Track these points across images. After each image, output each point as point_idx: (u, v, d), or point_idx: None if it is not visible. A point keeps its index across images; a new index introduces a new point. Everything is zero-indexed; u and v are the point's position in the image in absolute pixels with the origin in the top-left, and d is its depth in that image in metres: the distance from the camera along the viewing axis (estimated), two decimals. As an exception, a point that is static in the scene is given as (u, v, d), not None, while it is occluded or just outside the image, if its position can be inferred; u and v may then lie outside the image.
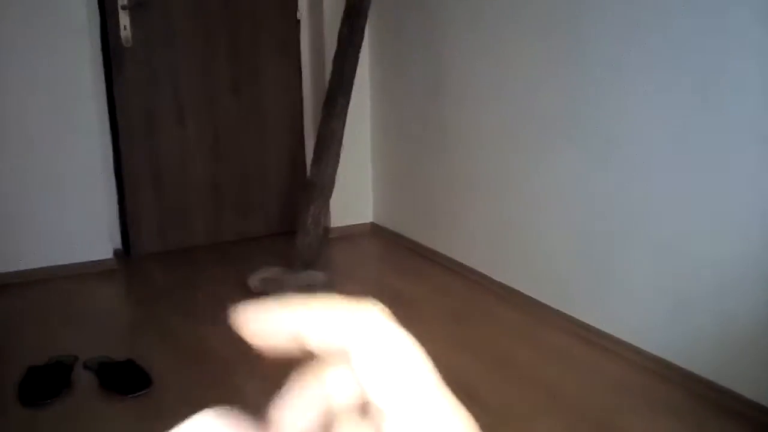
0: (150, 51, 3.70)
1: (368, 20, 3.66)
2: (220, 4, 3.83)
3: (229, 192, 4.04)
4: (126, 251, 3.86)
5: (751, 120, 2.21)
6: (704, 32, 2.30)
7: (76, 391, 2.49)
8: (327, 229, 4.09)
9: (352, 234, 4.18)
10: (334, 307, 0.29)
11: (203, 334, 2.92)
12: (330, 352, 0.28)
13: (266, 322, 0.29)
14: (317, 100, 4.06)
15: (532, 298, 3.12)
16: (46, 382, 2.47)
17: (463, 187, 3.50)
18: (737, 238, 2.29)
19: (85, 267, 3.57)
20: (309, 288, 3.26)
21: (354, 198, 4.18)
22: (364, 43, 3.71)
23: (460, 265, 3.55)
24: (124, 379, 2.50)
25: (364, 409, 0.28)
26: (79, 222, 3.54)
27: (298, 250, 3.46)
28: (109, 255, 3.66)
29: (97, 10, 3.58)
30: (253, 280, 3.33)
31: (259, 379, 2.57)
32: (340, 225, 4.16)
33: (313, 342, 0.28)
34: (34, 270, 3.48)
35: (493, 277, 3.34)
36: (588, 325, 2.85)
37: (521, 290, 3.18)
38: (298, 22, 4.05)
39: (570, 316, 2.93)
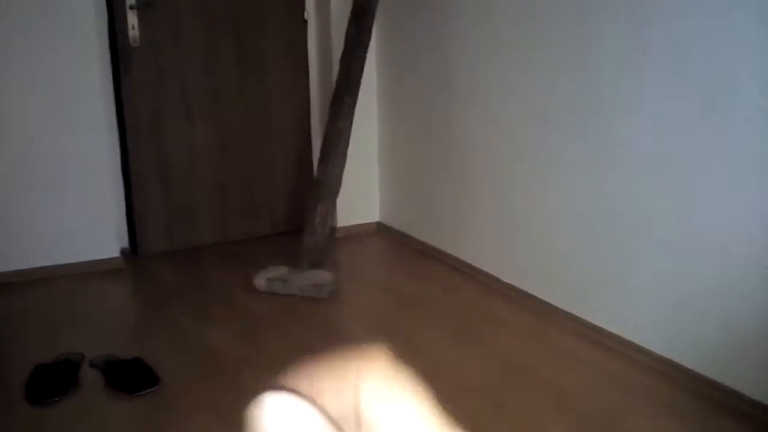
0: (157, 51, 3.71)
1: (375, 20, 3.66)
2: (228, 4, 3.84)
3: (236, 191, 4.05)
4: (133, 250, 3.87)
5: (754, 120, 2.20)
6: (708, 32, 2.29)
7: (83, 390, 2.50)
8: (333, 229, 4.09)
9: (358, 233, 4.18)
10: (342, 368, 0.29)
11: (210, 333, 2.92)
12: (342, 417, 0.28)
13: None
14: (324, 99, 4.06)
15: (540, 299, 3.11)
16: (53, 381, 2.48)
17: (471, 187, 3.49)
18: (742, 239, 2.28)
19: (92, 266, 3.58)
20: (315, 288, 3.27)
21: (361, 197, 4.18)
22: (371, 43, 3.71)
23: (468, 265, 3.55)
24: (131, 377, 2.50)
25: None
26: (86, 221, 3.55)
27: (305, 250, 3.46)
28: (116, 254, 3.67)
29: (105, 10, 3.59)
30: (260, 280, 3.33)
31: (267, 377, 2.57)
32: (346, 224, 4.16)
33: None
34: (41, 268, 3.49)
35: (501, 278, 3.34)
36: (595, 326, 2.84)
37: (529, 291, 3.17)
38: (305, 21, 4.06)
39: (578, 317, 2.93)
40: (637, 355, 2.66)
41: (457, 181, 3.58)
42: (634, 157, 2.61)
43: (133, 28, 3.62)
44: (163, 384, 2.51)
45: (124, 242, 3.85)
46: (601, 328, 2.82)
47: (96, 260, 3.60)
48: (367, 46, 3.55)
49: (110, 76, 3.66)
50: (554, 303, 3.04)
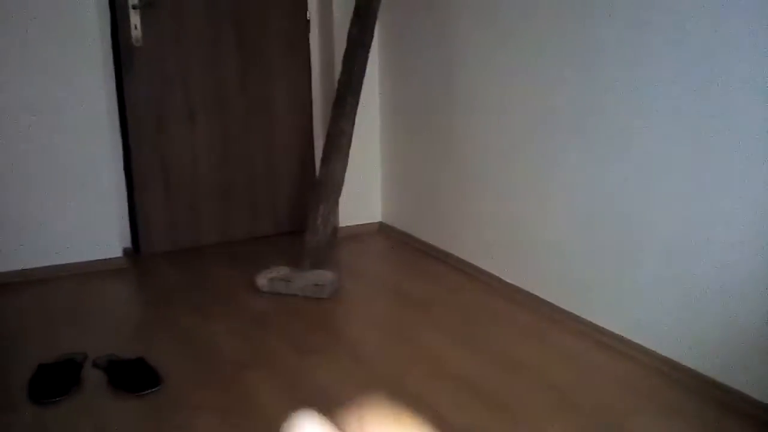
0: (160, 50, 3.72)
1: (378, 20, 3.66)
2: (230, 4, 3.84)
3: (239, 191, 4.05)
4: (135, 250, 3.88)
5: (756, 121, 2.20)
6: (709, 33, 2.29)
7: (86, 389, 2.51)
8: (335, 229, 4.10)
9: (360, 233, 4.18)
10: None
11: (213, 333, 2.93)
12: None
13: None
14: (327, 99, 4.06)
15: (542, 299, 3.12)
16: (56, 380, 2.48)
17: (473, 187, 3.50)
18: (744, 239, 2.28)
19: (94, 265, 3.59)
20: (317, 288, 3.27)
21: (363, 197, 4.18)
22: (373, 43, 3.71)
23: (470, 265, 3.55)
24: (134, 377, 2.51)
25: None
26: (89, 221, 3.56)
27: (307, 250, 3.47)
28: (119, 254, 3.68)
29: (108, 10, 3.60)
30: (262, 280, 3.34)
31: (269, 377, 2.58)
32: (348, 224, 4.17)
33: None
34: (44, 268, 3.50)
35: (504, 279, 3.34)
36: (597, 326, 2.85)
37: (532, 291, 3.18)
38: (308, 21, 4.06)
39: (580, 317, 2.93)
40: (639, 355, 2.67)
41: (459, 181, 3.58)
42: (637, 157, 2.61)
43: (136, 27, 3.63)
44: (165, 384, 2.51)
45: (127, 242, 3.86)
46: (603, 328, 2.82)
47: (99, 260, 3.61)
48: (369, 46, 3.56)
49: (113, 75, 3.67)
50: (556, 303, 3.04)
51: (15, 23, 3.28)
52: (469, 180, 3.51)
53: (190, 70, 3.81)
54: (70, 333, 2.94)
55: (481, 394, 2.45)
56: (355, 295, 3.34)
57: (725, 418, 2.30)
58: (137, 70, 3.68)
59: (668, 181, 2.51)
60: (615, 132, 2.69)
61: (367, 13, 3.53)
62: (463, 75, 3.46)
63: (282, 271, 3.40)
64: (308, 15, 4.05)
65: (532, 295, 3.17)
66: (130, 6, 3.59)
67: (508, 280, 3.32)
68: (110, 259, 3.64)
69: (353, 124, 3.54)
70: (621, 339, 2.74)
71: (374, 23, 3.57)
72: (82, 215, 3.54)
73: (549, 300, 3.08)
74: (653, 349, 2.62)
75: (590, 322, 2.88)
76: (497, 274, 3.38)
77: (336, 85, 3.65)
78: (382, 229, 4.23)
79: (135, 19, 3.62)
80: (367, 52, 3.56)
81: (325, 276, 3.35)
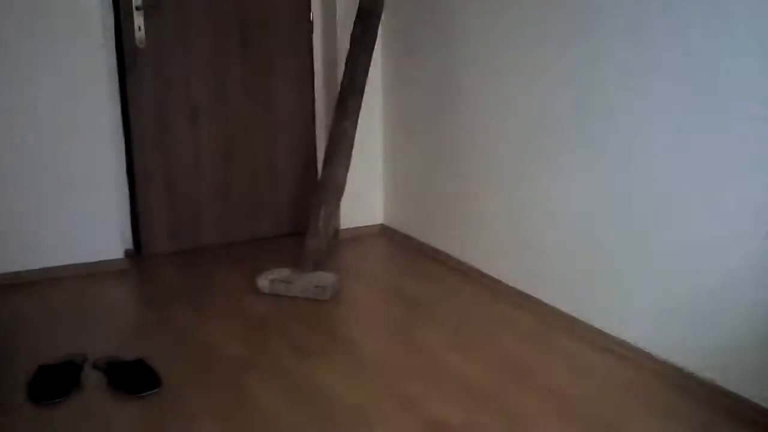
0: (163, 52, 3.72)
1: (381, 22, 3.66)
2: (234, 6, 3.84)
3: (240, 192, 4.05)
4: (137, 251, 3.88)
5: (755, 123, 2.19)
6: (710, 38, 2.28)
7: (86, 391, 2.51)
8: (337, 231, 4.09)
9: (362, 235, 4.18)
10: None
11: (213, 334, 2.93)
12: None
13: None
14: (329, 101, 4.06)
15: (543, 302, 3.11)
16: (56, 381, 2.48)
17: (475, 190, 3.49)
18: (744, 242, 2.27)
19: (96, 266, 3.59)
20: (318, 289, 3.27)
21: (364, 199, 4.18)
22: (376, 45, 3.71)
23: (472, 268, 3.55)
24: (134, 378, 2.51)
25: None
26: (90, 221, 3.56)
27: (308, 251, 3.46)
28: (120, 255, 3.68)
29: (112, 11, 3.60)
30: (263, 281, 3.34)
31: (269, 379, 2.57)
32: (350, 226, 4.17)
33: None
34: (45, 269, 3.50)
35: (506, 282, 3.33)
36: (600, 330, 2.84)
37: (532, 294, 3.17)
38: (311, 23, 4.06)
39: (580, 320, 2.92)
40: (640, 358, 2.66)
41: (461, 183, 3.58)
42: (638, 160, 2.61)
43: (140, 29, 3.63)
44: (165, 385, 2.51)
45: (129, 243, 3.86)
46: (604, 331, 2.82)
47: (100, 261, 3.60)
48: (372, 48, 3.55)
49: (116, 77, 3.67)
50: (557, 306, 3.03)
51: (18, 24, 3.29)
52: (470, 182, 3.51)
53: (192, 71, 3.81)
54: (71, 334, 2.94)
55: (481, 397, 2.44)
56: (355, 297, 3.34)
57: (725, 422, 2.30)
58: (140, 71, 3.68)
59: (670, 185, 2.50)
60: (617, 135, 2.69)
61: (370, 14, 3.52)
62: (466, 77, 3.46)
63: (283, 272, 3.40)
64: (311, 16, 4.05)
65: (533, 297, 3.16)
66: (133, 7, 3.59)
67: (509, 283, 3.31)
68: (112, 260, 3.64)
69: (356, 125, 3.53)
70: (622, 342, 2.74)
71: (377, 25, 3.57)
72: (84, 217, 3.54)
73: (550, 303, 3.07)
74: (654, 353, 2.62)
75: (591, 326, 2.87)
76: (498, 277, 3.37)
77: (339, 86, 3.65)
78: (384, 231, 4.23)
79: (138, 20, 3.62)
80: (370, 53, 3.55)
81: (326, 278, 3.35)
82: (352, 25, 3.58)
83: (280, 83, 4.03)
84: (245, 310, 3.17)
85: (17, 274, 3.45)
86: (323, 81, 4.13)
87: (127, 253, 3.77)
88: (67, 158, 3.47)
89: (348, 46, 3.57)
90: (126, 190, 3.82)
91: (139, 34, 3.63)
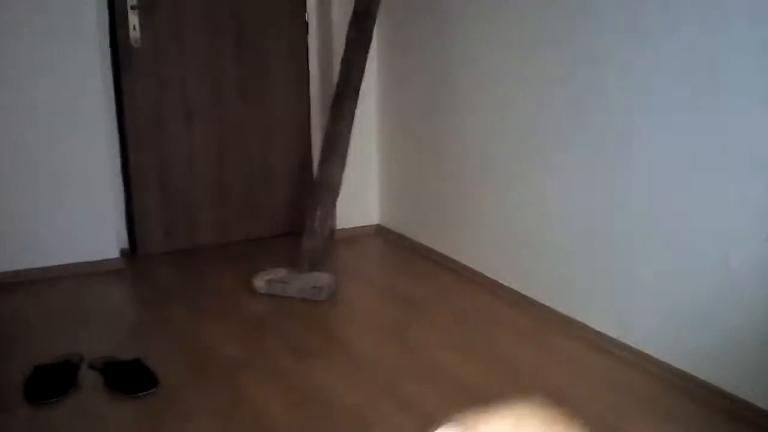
0: (158, 52, 3.71)
1: (376, 23, 3.66)
2: (229, 6, 3.84)
3: (236, 193, 4.05)
4: (132, 251, 3.88)
5: (755, 123, 2.20)
6: (708, 36, 2.29)
7: (82, 391, 2.50)
8: (333, 231, 4.10)
9: (358, 236, 4.18)
10: None
11: (210, 335, 2.92)
12: None
13: None
14: (325, 101, 4.06)
15: (540, 303, 3.12)
16: (53, 381, 2.48)
17: (471, 190, 3.50)
18: (745, 244, 2.28)
19: (91, 266, 3.59)
20: (314, 290, 3.27)
21: (360, 200, 4.18)
22: (372, 46, 3.71)
23: (468, 268, 3.55)
24: (130, 379, 2.50)
25: None
26: (85, 221, 3.56)
27: (304, 252, 3.46)
28: (116, 255, 3.68)
29: (107, 10, 3.59)
30: (259, 281, 3.34)
31: (265, 379, 2.57)
32: (346, 227, 4.17)
33: None
34: (41, 269, 3.49)
35: (502, 282, 3.34)
36: (597, 331, 2.85)
37: (529, 295, 3.18)
38: (306, 23, 4.06)
39: (578, 322, 2.93)
40: (639, 361, 2.67)
41: (457, 183, 3.58)
42: (637, 161, 2.61)
43: (135, 28, 3.62)
44: (161, 385, 2.51)
45: (124, 243, 3.85)
46: (602, 333, 2.82)
47: (95, 261, 3.60)
48: (367, 49, 3.56)
49: (111, 76, 3.67)
50: (555, 307, 3.04)
51: (14, 23, 3.28)
52: (467, 182, 3.51)
53: (188, 71, 3.81)
54: (67, 334, 2.93)
55: (478, 397, 2.45)
56: (352, 298, 3.34)
57: (726, 425, 2.30)
58: (135, 70, 3.68)
59: (669, 185, 2.51)
60: (615, 135, 2.69)
61: (365, 15, 3.53)
62: (462, 77, 3.47)
63: (279, 273, 3.40)
64: (307, 17, 4.05)
65: (529, 298, 3.17)
66: (128, 7, 3.59)
67: (505, 283, 3.32)
68: (107, 260, 3.63)
69: (351, 126, 3.54)
70: (621, 344, 2.74)
71: (373, 25, 3.58)
72: (79, 216, 3.54)
73: (547, 303, 3.08)
74: (654, 355, 2.62)
75: (590, 327, 2.88)
76: (494, 277, 3.38)
77: (334, 87, 3.65)
78: (380, 231, 4.24)
79: (134, 19, 3.62)
80: (366, 54, 3.56)
81: (322, 278, 3.35)
82: (347, 26, 3.58)
83: (275, 83, 4.03)
84: (242, 311, 3.17)
85: (12, 273, 3.44)
86: (319, 81, 4.13)
87: (122, 252, 3.77)
88: (62, 158, 3.46)
89: (343, 47, 3.57)
90: (122, 190, 3.81)
91: (134, 34, 3.63)
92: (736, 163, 2.28)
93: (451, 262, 3.66)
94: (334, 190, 3.51)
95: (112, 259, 3.65)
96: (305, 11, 4.04)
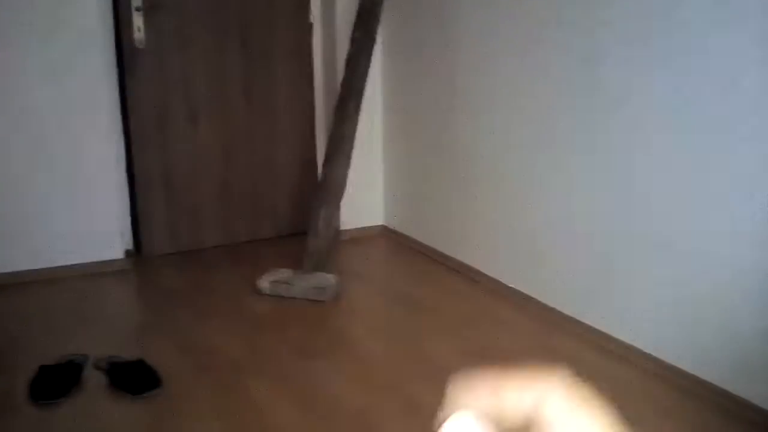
0: (163, 53, 3.72)
1: (381, 24, 3.66)
2: (233, 7, 3.84)
3: (241, 193, 4.05)
4: (137, 251, 3.88)
5: (755, 124, 2.20)
6: (709, 39, 2.29)
7: (87, 391, 2.51)
8: (337, 232, 4.09)
9: (362, 236, 4.18)
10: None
11: (214, 335, 2.93)
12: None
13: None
14: (329, 102, 4.06)
15: (544, 304, 3.11)
16: (57, 381, 2.48)
17: (475, 191, 3.49)
18: (745, 244, 2.27)
19: (96, 267, 3.59)
20: (318, 290, 3.27)
21: (365, 200, 4.18)
22: (376, 46, 3.71)
23: (472, 269, 3.55)
24: (134, 379, 2.51)
25: None
26: (91, 222, 3.56)
27: (309, 252, 3.46)
28: (121, 255, 3.68)
29: (111, 12, 3.60)
30: (263, 282, 3.34)
31: (269, 380, 2.57)
32: (350, 227, 4.17)
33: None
34: (46, 269, 3.49)
35: (506, 283, 3.33)
36: (600, 331, 2.84)
37: (533, 296, 3.17)
38: (311, 25, 4.06)
39: (582, 323, 2.92)
40: (641, 360, 2.66)
41: (461, 184, 3.58)
42: (639, 164, 2.61)
43: (139, 30, 3.63)
44: (165, 385, 2.51)
45: (129, 244, 3.86)
46: (605, 333, 2.81)
47: (100, 261, 3.60)
48: (372, 49, 3.56)
49: (116, 77, 3.67)
50: (558, 308, 3.03)
51: (19, 25, 3.29)
52: (471, 184, 3.51)
53: (192, 72, 3.81)
54: (72, 334, 2.94)
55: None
56: (356, 299, 3.34)
57: (728, 425, 2.30)
58: (140, 72, 3.68)
59: (670, 188, 2.50)
60: (618, 139, 2.69)
61: (369, 16, 3.53)
62: (466, 78, 3.46)
63: (283, 273, 3.40)
64: (311, 18, 4.06)
65: (534, 299, 3.16)
66: (133, 8, 3.59)
67: (510, 285, 3.31)
68: (112, 260, 3.64)
69: (355, 126, 3.54)
70: (623, 344, 2.73)
71: (377, 26, 3.58)
72: (85, 217, 3.54)
73: (551, 305, 3.07)
74: (655, 355, 2.61)
75: (593, 327, 2.87)
76: (499, 278, 3.37)
77: (338, 87, 3.65)
78: (384, 232, 4.23)
79: (138, 21, 3.62)
80: (370, 55, 3.56)
81: (326, 279, 3.35)
82: (351, 27, 3.58)
83: (280, 84, 4.03)
84: (246, 311, 3.17)
85: (18, 274, 3.44)
86: (323, 82, 4.13)
87: (127, 253, 3.77)
88: (67, 159, 3.47)
89: (348, 48, 3.57)
90: (126, 191, 3.82)
91: (139, 35, 3.63)
92: (739, 163, 2.27)
93: (456, 263, 3.65)
94: (338, 191, 3.51)
95: (117, 260, 3.65)
96: (310, 12, 4.05)
